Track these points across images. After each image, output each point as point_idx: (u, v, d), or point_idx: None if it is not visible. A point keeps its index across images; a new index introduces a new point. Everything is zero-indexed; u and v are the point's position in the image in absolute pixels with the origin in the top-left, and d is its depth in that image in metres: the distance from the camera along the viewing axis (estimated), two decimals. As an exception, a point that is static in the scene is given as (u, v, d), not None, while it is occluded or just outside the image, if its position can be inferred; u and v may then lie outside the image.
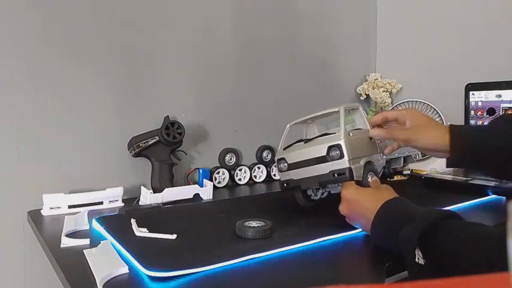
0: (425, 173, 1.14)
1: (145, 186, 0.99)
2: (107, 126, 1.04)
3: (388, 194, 0.67)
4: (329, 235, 0.68)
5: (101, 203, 0.94)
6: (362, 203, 0.67)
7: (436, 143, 0.75)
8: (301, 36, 1.39)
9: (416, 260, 0.52)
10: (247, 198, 1.06)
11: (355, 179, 0.75)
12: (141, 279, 0.53)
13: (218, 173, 1.17)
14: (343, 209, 0.71)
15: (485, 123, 1.19)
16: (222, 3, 1.21)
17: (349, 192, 0.71)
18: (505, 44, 1.21)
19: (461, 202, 0.89)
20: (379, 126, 0.84)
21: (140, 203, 0.96)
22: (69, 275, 0.55)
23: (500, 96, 1.16)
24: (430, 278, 0.48)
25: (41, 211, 0.89)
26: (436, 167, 1.17)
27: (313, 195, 0.85)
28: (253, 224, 0.69)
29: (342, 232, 0.69)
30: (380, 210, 0.63)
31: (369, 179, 0.77)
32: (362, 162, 0.77)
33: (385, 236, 0.61)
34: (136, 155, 1.03)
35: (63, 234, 0.70)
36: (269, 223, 0.69)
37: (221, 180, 1.17)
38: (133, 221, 0.72)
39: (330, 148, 0.76)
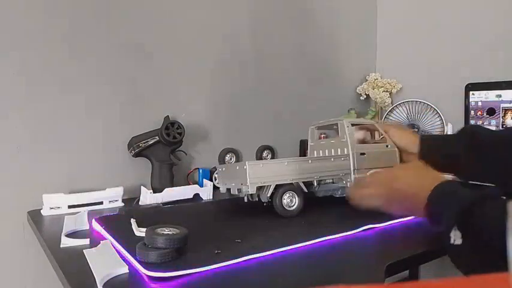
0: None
1: (145, 186, 0.99)
2: (107, 126, 1.04)
3: (432, 172, 0.66)
4: (329, 235, 0.68)
5: (101, 203, 0.94)
6: (405, 184, 0.65)
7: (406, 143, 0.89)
8: (301, 37, 1.39)
9: (452, 242, 0.53)
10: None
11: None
12: (141, 279, 0.53)
13: (218, 173, 1.17)
14: (377, 189, 0.69)
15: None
16: (222, 4, 1.21)
17: (382, 172, 0.73)
18: (505, 44, 1.21)
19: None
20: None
21: (140, 203, 0.96)
22: (69, 275, 0.55)
23: (500, 96, 1.16)
24: (467, 258, 0.52)
25: (41, 211, 0.89)
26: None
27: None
28: (166, 231, 0.60)
29: (342, 232, 0.69)
30: (437, 189, 0.60)
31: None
32: None
33: (441, 216, 0.57)
34: (136, 155, 1.03)
35: (63, 234, 0.70)
36: (184, 231, 0.60)
37: (221, 180, 1.17)
38: (133, 221, 0.72)
39: None
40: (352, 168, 0.85)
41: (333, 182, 0.88)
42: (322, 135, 1.18)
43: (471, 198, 0.54)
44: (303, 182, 0.82)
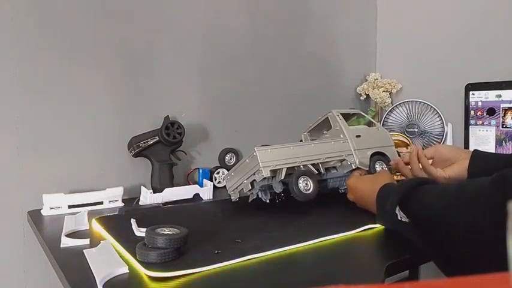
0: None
1: (145, 186, 0.99)
2: (107, 126, 1.04)
3: (384, 177, 0.77)
4: (329, 235, 0.68)
5: (101, 203, 0.94)
6: (362, 189, 0.79)
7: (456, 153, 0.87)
8: (301, 37, 1.39)
9: (400, 219, 0.62)
10: (246, 198, 1.06)
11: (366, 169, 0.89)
12: (141, 279, 0.53)
13: (218, 173, 1.17)
14: (349, 196, 0.84)
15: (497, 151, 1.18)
16: (223, 3, 1.21)
17: (352, 181, 0.83)
18: (505, 44, 1.21)
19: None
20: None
21: (140, 203, 0.96)
22: (69, 275, 0.55)
23: (500, 96, 1.16)
24: (413, 232, 0.60)
25: (41, 211, 0.89)
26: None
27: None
28: (166, 231, 0.60)
29: (342, 232, 0.69)
30: (378, 193, 0.71)
31: (377, 168, 0.91)
32: None
33: (384, 213, 0.68)
34: (136, 155, 1.03)
35: (63, 234, 0.70)
36: (184, 231, 0.60)
37: (221, 180, 1.17)
38: (133, 221, 0.72)
39: None
40: (352, 149, 0.90)
41: (337, 170, 0.91)
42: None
43: (409, 185, 0.64)
44: (312, 165, 0.85)
